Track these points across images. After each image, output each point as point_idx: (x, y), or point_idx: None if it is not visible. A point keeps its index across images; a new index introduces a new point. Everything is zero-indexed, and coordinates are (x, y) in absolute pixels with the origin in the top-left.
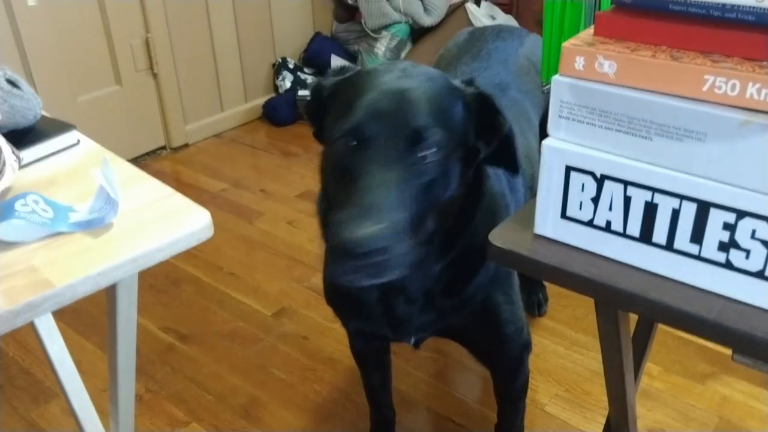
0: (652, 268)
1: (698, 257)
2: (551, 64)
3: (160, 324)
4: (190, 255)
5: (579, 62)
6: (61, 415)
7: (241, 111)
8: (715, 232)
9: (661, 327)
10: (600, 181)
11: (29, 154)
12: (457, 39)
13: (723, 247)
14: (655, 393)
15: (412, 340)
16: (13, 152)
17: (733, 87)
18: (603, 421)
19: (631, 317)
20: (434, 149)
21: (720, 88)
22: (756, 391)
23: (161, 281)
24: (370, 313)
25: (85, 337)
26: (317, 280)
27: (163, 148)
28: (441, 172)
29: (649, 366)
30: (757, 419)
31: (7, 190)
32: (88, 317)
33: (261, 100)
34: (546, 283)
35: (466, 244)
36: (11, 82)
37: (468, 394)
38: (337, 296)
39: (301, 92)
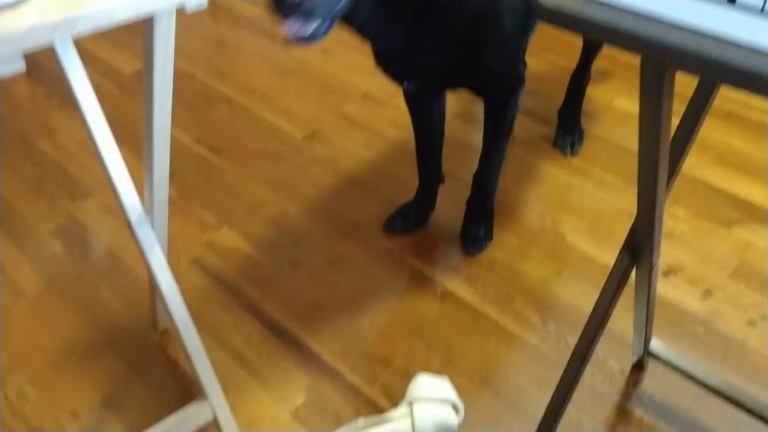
0: (710, 27)
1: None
2: None
3: (193, 137)
4: (223, 75)
5: None
6: (97, 210)
7: None
8: None
9: (691, 173)
10: None
11: None
12: None
13: None
14: (679, 234)
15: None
16: None
17: None
18: None
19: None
20: None
21: None
22: None
23: (194, 98)
24: (390, 61)
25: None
26: (349, 108)
27: None
28: None
29: (676, 208)
30: None
31: None
32: (126, 128)
33: None
34: (582, 126)
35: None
36: None
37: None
38: (375, 56)
39: None
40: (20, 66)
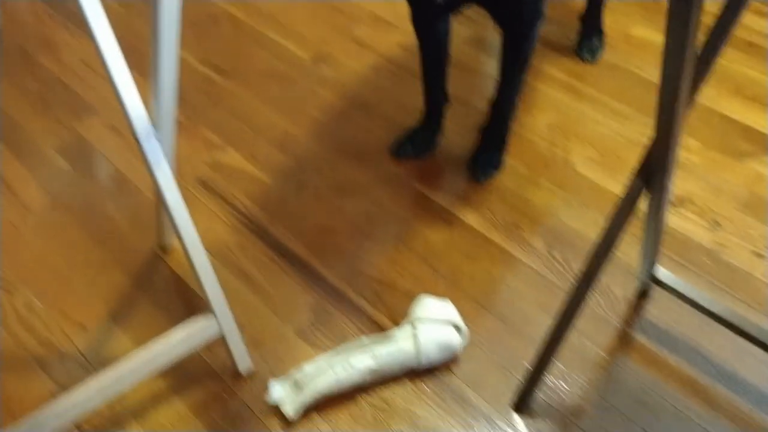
0: None
1: None
2: None
3: (198, 57)
4: None
5: None
6: (102, 128)
7: None
8: None
9: (707, 104)
10: None
11: None
12: None
13: None
14: (691, 166)
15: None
16: None
17: None
18: None
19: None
20: None
21: None
22: None
23: (199, 18)
24: None
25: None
26: (359, 31)
27: None
28: None
29: (688, 140)
30: None
31: None
32: (132, 48)
33: None
34: (604, 32)
35: None
36: None
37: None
38: None
39: None
40: None
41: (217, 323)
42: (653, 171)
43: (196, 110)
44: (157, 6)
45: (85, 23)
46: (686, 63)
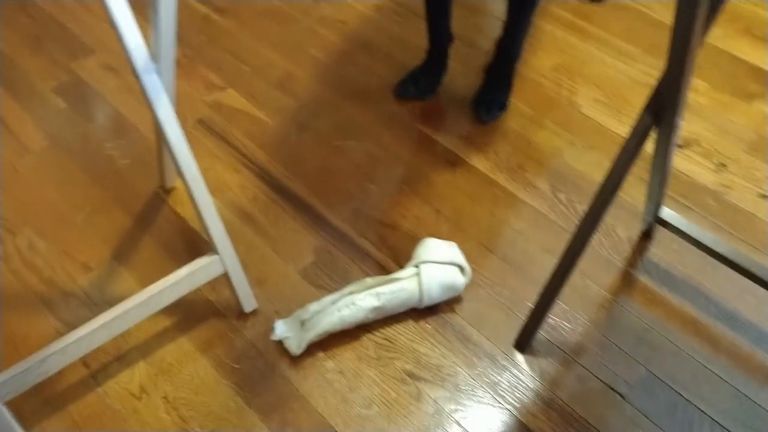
0: None
1: None
2: None
3: None
4: None
5: None
6: (99, 68)
7: None
8: None
9: (716, 44)
10: None
11: None
12: None
13: None
14: (697, 107)
15: None
16: None
17: None
18: None
19: None
20: None
21: None
22: None
23: None
24: None
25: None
26: None
27: None
28: None
29: (696, 82)
30: None
31: None
32: None
33: None
34: None
35: None
36: None
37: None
38: None
39: None
40: None
41: (221, 261)
42: (663, 107)
43: (195, 50)
44: None
45: None
46: None
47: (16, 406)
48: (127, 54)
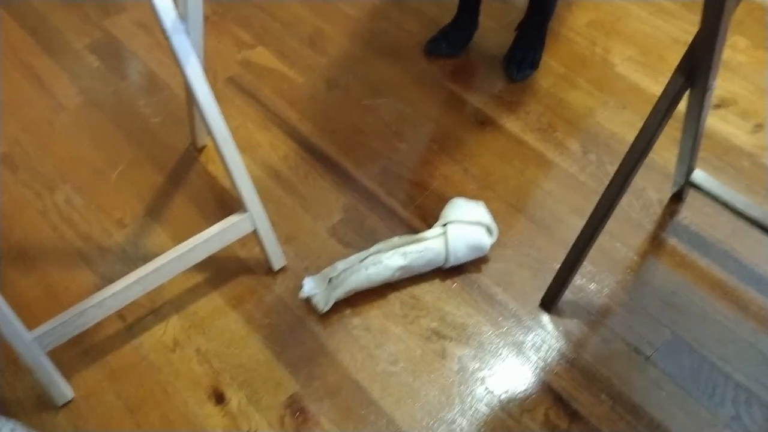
0: None
1: None
2: None
3: None
4: None
5: None
6: (131, 25)
7: None
8: None
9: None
10: None
11: None
12: None
13: None
14: (736, 65)
15: None
16: None
17: None
18: None
19: None
20: None
21: None
22: None
23: None
24: None
25: None
26: None
27: None
28: None
29: (736, 39)
30: None
31: None
32: None
33: None
34: None
35: None
36: None
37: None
38: None
39: None
40: None
41: (251, 219)
42: (696, 68)
43: (225, 5)
44: None
45: None
46: None
47: (56, 355)
48: (155, 14)
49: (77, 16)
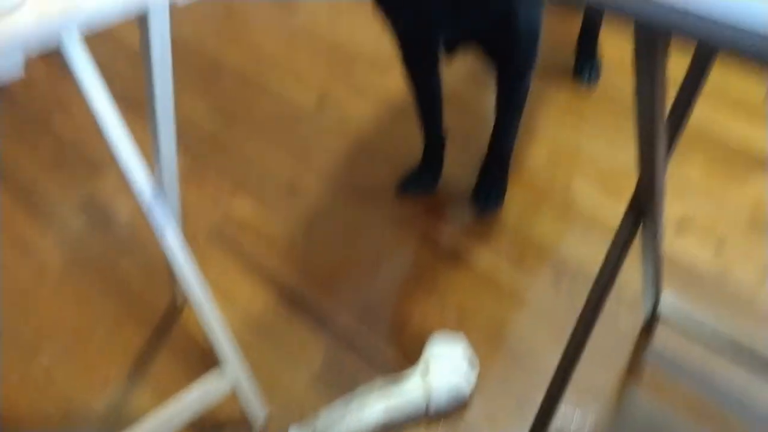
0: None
1: None
2: None
3: (203, 106)
4: (230, 43)
5: None
6: (116, 185)
7: None
8: None
9: (705, 124)
10: None
11: None
12: None
13: None
14: (692, 187)
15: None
16: None
17: None
18: None
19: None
20: None
21: None
22: None
23: (202, 67)
24: (408, 11)
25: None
26: (359, 72)
27: None
28: None
29: (689, 160)
30: None
31: None
32: (140, 102)
33: None
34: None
35: None
36: None
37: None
38: (414, 21)
39: None
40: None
41: (230, 380)
42: (644, 206)
43: (203, 159)
44: (150, 76)
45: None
46: (657, 110)
47: None
48: (133, 190)
49: (62, 176)
